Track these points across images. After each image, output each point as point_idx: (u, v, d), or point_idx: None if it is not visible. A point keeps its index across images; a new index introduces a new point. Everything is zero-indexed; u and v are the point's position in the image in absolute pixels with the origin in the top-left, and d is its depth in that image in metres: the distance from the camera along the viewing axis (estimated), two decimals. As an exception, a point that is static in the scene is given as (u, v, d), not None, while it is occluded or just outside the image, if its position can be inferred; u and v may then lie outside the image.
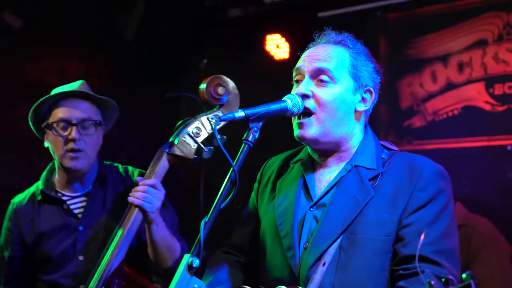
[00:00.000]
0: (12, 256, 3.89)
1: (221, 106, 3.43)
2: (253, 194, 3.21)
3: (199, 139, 3.42)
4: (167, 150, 3.46)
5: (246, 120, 2.70)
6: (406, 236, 2.71)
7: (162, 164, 3.48)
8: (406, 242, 2.70)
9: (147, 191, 3.45)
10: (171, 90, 6.97)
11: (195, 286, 2.43)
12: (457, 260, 2.70)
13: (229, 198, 2.58)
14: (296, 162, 3.06)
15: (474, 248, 5.30)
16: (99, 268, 3.43)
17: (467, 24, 6.42)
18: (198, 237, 2.47)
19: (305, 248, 2.80)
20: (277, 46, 7.16)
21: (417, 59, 6.71)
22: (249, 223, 3.18)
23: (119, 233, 3.45)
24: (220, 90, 3.37)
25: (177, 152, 3.43)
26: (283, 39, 7.14)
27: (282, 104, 2.80)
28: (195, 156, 3.43)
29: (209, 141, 3.43)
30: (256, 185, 3.21)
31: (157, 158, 3.50)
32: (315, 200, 2.89)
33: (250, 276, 3.09)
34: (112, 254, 3.42)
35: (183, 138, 3.42)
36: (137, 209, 3.46)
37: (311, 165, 2.99)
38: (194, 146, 3.42)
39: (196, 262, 2.43)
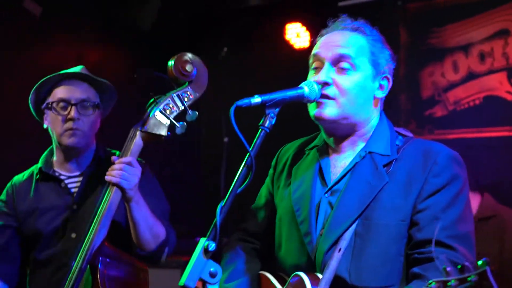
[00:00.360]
0: (5, 225, 3.95)
1: (190, 82, 3.48)
2: (268, 181, 3.22)
3: (171, 116, 3.47)
4: (140, 128, 3.51)
5: (262, 106, 2.68)
6: (421, 220, 2.70)
7: (136, 143, 3.52)
8: (421, 227, 2.70)
9: (123, 169, 3.49)
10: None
11: (211, 269, 2.42)
12: (472, 245, 2.70)
13: (245, 183, 2.58)
14: (311, 149, 3.06)
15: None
16: (82, 247, 3.49)
17: (488, 14, 6.38)
18: (214, 221, 2.46)
19: (320, 234, 2.80)
20: (297, 35, 7.13)
21: (438, 49, 6.68)
22: (264, 209, 3.19)
23: (99, 212, 3.51)
24: (188, 67, 3.42)
25: (150, 129, 3.48)
26: (304, 28, 7.12)
27: (299, 91, 2.79)
28: (169, 133, 3.49)
29: (181, 118, 3.48)
30: (271, 171, 3.21)
31: (131, 136, 3.55)
32: (329, 186, 2.89)
33: (266, 262, 3.10)
34: (94, 233, 3.48)
35: (155, 116, 3.47)
36: (115, 187, 3.51)
37: (326, 151, 2.99)
38: (166, 122, 3.47)
39: (212, 246, 2.42)
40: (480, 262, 2.00)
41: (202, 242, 2.43)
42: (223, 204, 2.51)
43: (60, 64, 4.15)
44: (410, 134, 3.00)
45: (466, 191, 2.78)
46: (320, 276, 2.73)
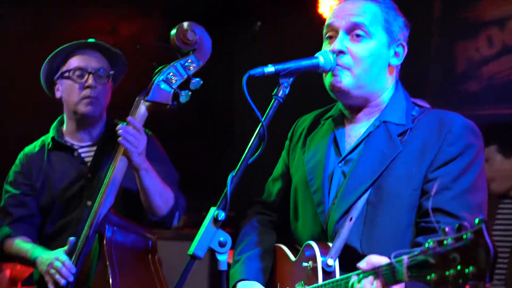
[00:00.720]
0: (24, 193, 4.06)
1: (193, 51, 3.54)
2: (284, 152, 3.23)
3: (175, 85, 3.53)
4: (143, 98, 3.59)
5: (276, 75, 2.69)
6: (431, 189, 2.70)
7: (140, 112, 3.61)
8: (430, 195, 2.69)
9: (129, 132, 3.57)
10: (223, 52, 7.03)
11: (221, 239, 2.44)
12: (482, 216, 2.65)
13: (257, 153, 2.59)
14: (327, 119, 3.07)
15: None
16: (90, 215, 3.60)
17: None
18: (225, 191, 2.48)
19: (333, 204, 2.82)
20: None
21: (473, 23, 6.58)
22: (280, 181, 3.21)
23: (106, 180, 3.61)
24: (190, 35, 3.48)
25: (154, 98, 3.55)
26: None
27: (314, 60, 2.80)
28: (174, 102, 3.56)
29: (185, 87, 3.55)
30: (287, 142, 3.22)
31: (135, 106, 3.63)
32: (343, 156, 2.89)
33: (283, 234, 3.12)
34: (100, 201, 3.59)
35: (158, 85, 3.54)
36: (121, 156, 3.59)
37: (342, 121, 3.00)
38: (170, 91, 3.54)
39: (222, 215, 2.44)
40: (476, 221, 2.00)
41: (212, 211, 2.45)
42: (234, 174, 2.53)
43: (95, 37, 4.21)
44: (427, 105, 2.98)
45: (480, 161, 2.76)
46: (330, 245, 2.74)
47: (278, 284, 2.98)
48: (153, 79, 3.56)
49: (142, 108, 3.59)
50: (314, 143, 3.02)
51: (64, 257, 3.62)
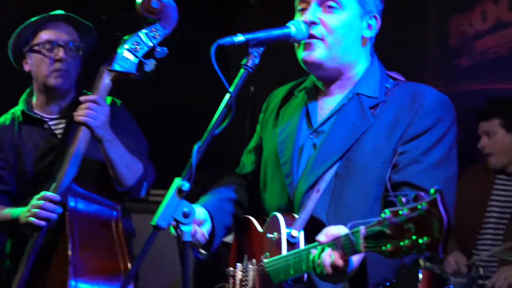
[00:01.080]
0: (1, 167, 4.03)
1: (159, 20, 3.48)
2: (258, 125, 3.21)
3: (139, 53, 3.48)
4: (107, 67, 3.55)
5: (246, 44, 2.66)
6: (400, 163, 2.68)
7: (103, 82, 3.56)
8: (399, 169, 2.68)
9: (89, 107, 3.53)
10: (222, 27, 6.97)
11: (185, 209, 2.41)
12: (451, 189, 2.67)
13: (224, 124, 2.54)
14: (301, 91, 3.03)
15: None
16: (51, 187, 3.58)
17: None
18: (190, 161, 2.44)
19: (302, 175, 2.79)
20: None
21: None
22: (254, 153, 3.19)
23: (69, 151, 3.57)
24: (155, 4, 3.40)
25: (117, 67, 3.52)
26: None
27: (285, 30, 2.76)
28: (141, 73, 3.51)
29: (150, 55, 3.50)
30: (261, 115, 3.20)
31: (98, 76, 3.58)
32: (315, 127, 2.87)
33: (254, 204, 3.10)
34: (63, 173, 3.56)
35: (122, 54, 3.49)
36: (83, 127, 3.56)
37: (315, 93, 2.97)
38: (134, 61, 3.49)
39: (186, 186, 2.41)
40: (432, 191, 1.98)
41: (176, 182, 2.42)
42: (200, 144, 2.49)
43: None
44: (401, 78, 2.95)
45: (451, 135, 2.73)
46: (296, 216, 2.73)
47: (246, 255, 2.96)
48: (117, 48, 3.52)
49: (105, 78, 3.55)
50: (287, 115, 2.99)
51: (44, 192, 3.59)
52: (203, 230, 2.86)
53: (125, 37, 3.51)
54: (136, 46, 3.47)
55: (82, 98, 3.59)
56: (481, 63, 6.38)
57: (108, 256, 3.65)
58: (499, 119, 5.36)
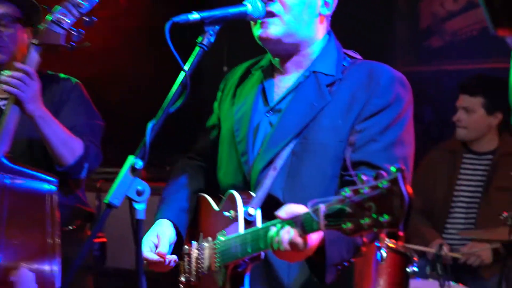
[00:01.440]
0: None
1: None
2: (215, 103, 3.19)
3: (66, 25, 3.46)
4: (33, 41, 3.50)
5: (201, 23, 2.63)
6: (357, 141, 2.68)
7: (31, 56, 3.51)
8: (356, 148, 2.67)
9: (21, 77, 3.46)
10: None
11: (139, 187, 2.39)
12: (407, 169, 2.65)
13: (179, 102, 2.53)
14: (257, 69, 3.02)
15: None
16: None
17: None
18: (144, 139, 2.43)
19: (258, 154, 2.79)
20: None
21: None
22: (211, 131, 3.18)
23: None
24: None
25: (44, 40, 3.48)
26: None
27: (242, 8, 2.74)
28: (71, 43, 3.48)
29: (78, 26, 3.49)
30: (219, 94, 3.18)
31: (27, 50, 3.55)
32: (271, 106, 2.86)
33: (211, 183, 3.09)
34: None
35: (48, 26, 3.46)
36: (12, 104, 3.48)
37: (271, 72, 2.95)
38: (61, 32, 3.46)
39: (139, 164, 2.39)
40: (393, 169, 1.98)
41: (130, 160, 2.41)
42: (155, 122, 2.48)
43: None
44: (358, 56, 2.94)
45: (408, 114, 2.73)
46: (253, 194, 2.73)
47: (201, 234, 2.96)
48: (43, 21, 3.50)
49: (32, 52, 3.50)
50: (243, 94, 2.98)
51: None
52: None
53: (54, 9, 3.48)
54: (63, 17, 3.45)
55: (17, 64, 3.51)
56: (453, 44, 6.41)
57: (36, 231, 3.58)
58: (483, 98, 5.35)
